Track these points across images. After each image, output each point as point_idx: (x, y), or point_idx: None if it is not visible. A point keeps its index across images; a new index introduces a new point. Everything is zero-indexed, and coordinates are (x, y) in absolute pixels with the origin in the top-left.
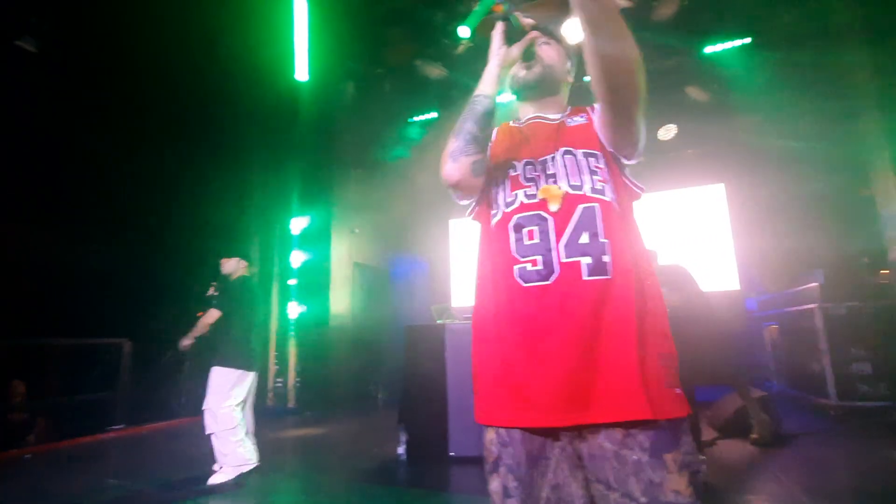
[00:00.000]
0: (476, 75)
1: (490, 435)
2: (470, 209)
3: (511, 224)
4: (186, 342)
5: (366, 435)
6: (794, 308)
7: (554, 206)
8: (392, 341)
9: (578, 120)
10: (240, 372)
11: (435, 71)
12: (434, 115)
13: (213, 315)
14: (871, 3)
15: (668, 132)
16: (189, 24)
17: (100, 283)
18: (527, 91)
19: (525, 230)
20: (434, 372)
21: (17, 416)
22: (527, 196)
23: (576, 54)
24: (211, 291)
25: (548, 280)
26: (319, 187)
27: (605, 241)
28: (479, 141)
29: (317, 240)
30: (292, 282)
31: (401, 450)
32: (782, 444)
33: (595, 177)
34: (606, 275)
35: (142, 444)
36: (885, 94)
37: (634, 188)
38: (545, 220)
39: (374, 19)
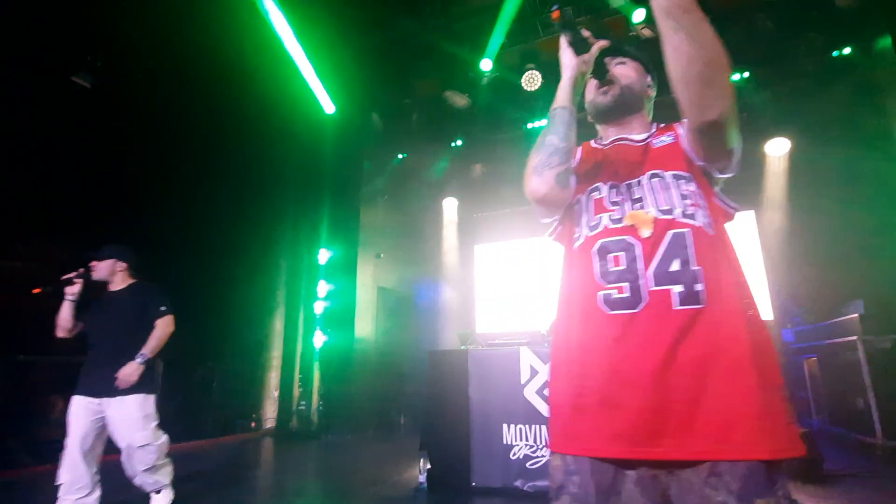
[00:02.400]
0: (500, 104)
1: (556, 461)
2: (552, 229)
3: (595, 248)
4: (145, 356)
5: (388, 461)
6: (834, 340)
7: (646, 232)
8: (415, 366)
9: (665, 139)
10: (153, 396)
11: (460, 101)
12: (459, 142)
13: (171, 324)
14: None
15: None
16: (225, 66)
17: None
18: (607, 115)
19: (610, 255)
20: (457, 399)
21: (52, 432)
22: (612, 220)
23: (656, 68)
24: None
25: (635, 308)
26: (346, 213)
27: (698, 268)
28: (562, 152)
29: (342, 265)
30: (319, 305)
31: (422, 478)
32: (825, 483)
33: (686, 201)
34: (699, 304)
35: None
36: None
37: (727, 208)
38: (632, 245)
39: (400, 53)
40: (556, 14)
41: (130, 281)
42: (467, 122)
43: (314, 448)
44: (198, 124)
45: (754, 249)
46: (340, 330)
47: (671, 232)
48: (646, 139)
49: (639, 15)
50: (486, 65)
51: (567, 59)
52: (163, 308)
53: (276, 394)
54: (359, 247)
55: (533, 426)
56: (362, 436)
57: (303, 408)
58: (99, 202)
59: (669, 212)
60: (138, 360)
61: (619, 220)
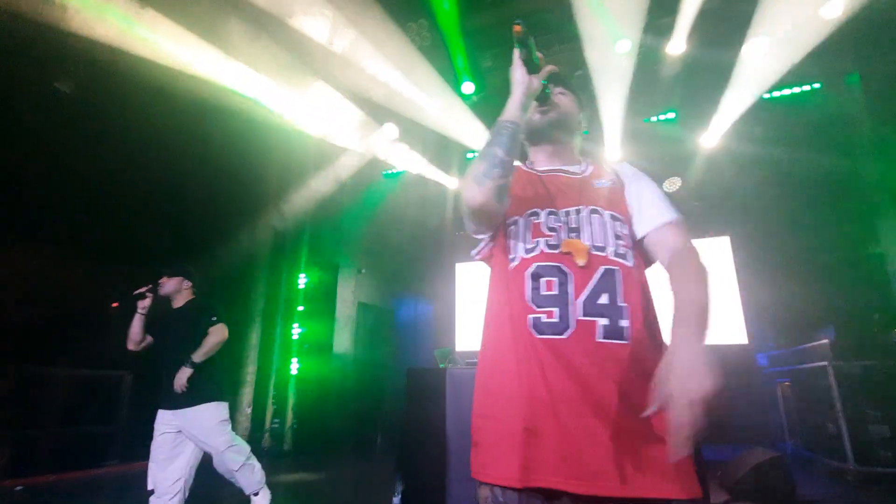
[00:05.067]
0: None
1: (484, 492)
2: (479, 248)
3: (529, 271)
4: (194, 361)
5: (362, 482)
6: (806, 365)
7: (581, 261)
8: (394, 384)
9: (605, 183)
10: (226, 403)
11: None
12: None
13: (223, 332)
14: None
15: (672, 185)
16: (206, 85)
17: (102, 316)
18: (541, 135)
19: (543, 280)
20: (434, 419)
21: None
22: (548, 245)
23: (587, 108)
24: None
25: (562, 335)
26: (328, 228)
27: (624, 305)
28: (505, 165)
29: (323, 281)
30: (295, 330)
31: (396, 500)
32: None
33: (619, 241)
34: (623, 339)
35: (136, 480)
36: (888, 152)
37: (649, 260)
38: (565, 273)
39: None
40: (518, 28)
41: (191, 298)
42: (448, 139)
43: (286, 467)
44: (179, 142)
45: (729, 274)
46: (318, 346)
47: (602, 267)
48: (582, 173)
49: (623, 45)
50: (467, 87)
51: (520, 75)
52: (213, 318)
53: (248, 410)
54: (340, 261)
55: None
56: (337, 455)
57: (276, 425)
58: (65, 205)
59: (603, 248)
60: (187, 365)
61: (556, 247)
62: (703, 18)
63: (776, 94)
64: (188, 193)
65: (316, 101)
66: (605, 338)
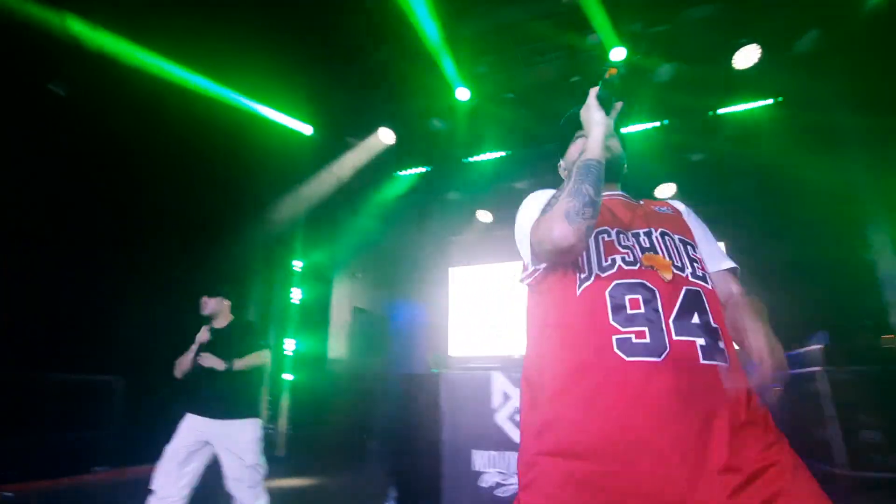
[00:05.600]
0: (471, 131)
1: None
2: (530, 273)
3: (609, 290)
4: (233, 364)
5: (356, 489)
6: (799, 371)
7: (667, 276)
8: (388, 389)
9: (665, 210)
10: (261, 422)
11: (437, 125)
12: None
13: (268, 358)
14: (861, 73)
15: (667, 191)
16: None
17: (95, 318)
18: None
19: (627, 297)
20: (428, 424)
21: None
22: (625, 262)
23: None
24: (203, 336)
25: (658, 357)
26: (323, 232)
27: (717, 326)
28: (596, 206)
29: (319, 283)
30: (289, 344)
31: None
32: None
33: (696, 263)
34: (724, 361)
35: (127, 487)
36: (880, 162)
37: None
38: (651, 290)
39: (379, 77)
40: (613, 71)
41: (231, 318)
42: (445, 146)
43: (280, 473)
44: (173, 134)
45: None
46: (312, 348)
47: (686, 287)
48: (639, 201)
49: (618, 53)
50: (462, 94)
51: (599, 116)
52: (262, 342)
53: None
54: (336, 265)
55: (504, 453)
56: (331, 461)
57: (270, 431)
58: (71, 209)
59: (682, 269)
60: (227, 363)
61: (634, 263)
62: (695, 27)
63: (769, 101)
64: (179, 199)
65: (310, 103)
66: (706, 359)
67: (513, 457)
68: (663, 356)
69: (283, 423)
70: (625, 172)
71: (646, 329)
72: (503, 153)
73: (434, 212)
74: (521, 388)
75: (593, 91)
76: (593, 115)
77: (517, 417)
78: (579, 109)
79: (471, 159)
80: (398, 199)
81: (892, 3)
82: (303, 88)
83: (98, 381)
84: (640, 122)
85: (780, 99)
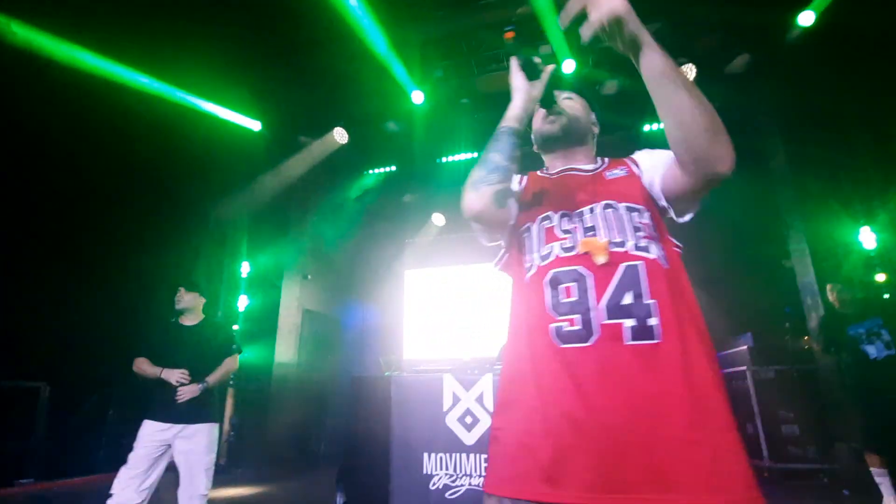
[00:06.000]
0: (433, 133)
1: (490, 502)
2: (498, 258)
3: (547, 279)
4: (207, 383)
5: (302, 496)
6: (728, 370)
7: (601, 259)
8: (339, 393)
9: (618, 172)
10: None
11: (392, 127)
12: (392, 168)
13: (237, 363)
14: (785, 94)
15: None
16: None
17: (18, 321)
18: (553, 143)
19: (562, 286)
20: (378, 427)
21: None
22: (563, 249)
23: (598, 107)
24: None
25: (586, 342)
26: (272, 232)
27: (652, 301)
28: (503, 170)
29: (266, 284)
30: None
31: None
32: None
33: (639, 233)
34: (653, 339)
35: (55, 499)
36: (797, 178)
37: (676, 248)
38: (584, 276)
39: (334, 76)
40: (510, 34)
41: (202, 317)
42: (400, 148)
43: (221, 482)
44: (105, 132)
45: None
46: (259, 354)
47: (624, 264)
48: (596, 170)
49: (568, 65)
50: (417, 97)
51: (519, 81)
52: (234, 346)
53: None
54: (284, 267)
55: (453, 455)
56: (277, 468)
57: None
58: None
59: (622, 244)
60: (201, 385)
61: (572, 249)
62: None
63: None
64: (112, 199)
65: (259, 99)
66: (633, 339)
67: (463, 459)
68: (592, 341)
69: (225, 429)
70: (594, 133)
71: (577, 316)
72: (459, 157)
73: (389, 214)
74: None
75: (514, 59)
76: (513, 83)
77: (467, 419)
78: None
79: (426, 163)
80: (352, 201)
81: (814, 32)
82: (248, 83)
83: (22, 388)
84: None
85: None
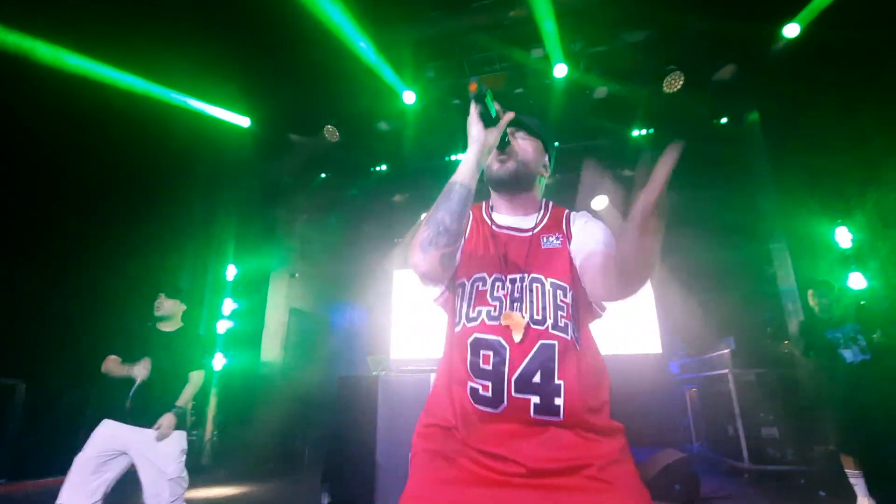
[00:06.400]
0: (422, 133)
1: None
2: (436, 297)
3: (470, 340)
4: (178, 408)
5: (287, 496)
6: (710, 373)
7: (517, 336)
8: (325, 392)
9: (554, 242)
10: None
11: (384, 127)
12: (383, 167)
13: (200, 378)
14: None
15: (600, 203)
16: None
17: None
18: (499, 184)
19: (482, 352)
20: (365, 427)
21: None
22: (489, 317)
23: (552, 149)
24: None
25: (496, 409)
26: (259, 229)
27: (559, 382)
28: (452, 234)
29: (253, 282)
30: (222, 325)
31: None
32: None
33: (560, 312)
34: (557, 416)
35: (27, 501)
36: (782, 187)
37: (599, 311)
38: (503, 348)
39: (326, 74)
40: (473, 87)
41: (181, 324)
42: (392, 147)
43: (204, 483)
44: (97, 125)
45: (647, 290)
46: (245, 352)
47: (541, 342)
48: (533, 230)
49: (560, 70)
50: (408, 97)
51: (476, 131)
52: (204, 361)
53: None
54: (272, 265)
55: None
56: (262, 468)
57: (193, 438)
58: None
59: (542, 322)
60: (175, 411)
61: (496, 318)
62: (628, 51)
63: None
64: (105, 192)
65: (251, 97)
66: (536, 414)
67: None
68: (500, 409)
69: (208, 429)
70: (543, 176)
71: (490, 384)
72: (449, 158)
73: (379, 214)
74: None
75: (474, 106)
76: (469, 132)
77: None
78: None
79: (417, 163)
80: (342, 200)
81: (799, 42)
82: (236, 79)
83: None
84: (577, 139)
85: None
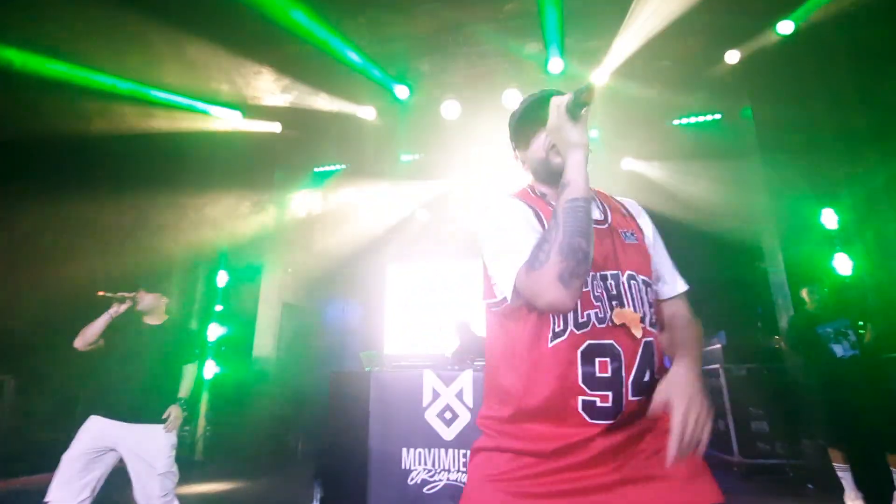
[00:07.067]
0: (413, 127)
1: None
2: (498, 301)
3: (581, 349)
4: (182, 399)
5: (279, 491)
6: (703, 367)
7: (638, 333)
8: (318, 388)
9: (631, 237)
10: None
11: (373, 120)
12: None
13: (192, 372)
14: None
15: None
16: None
17: None
18: (558, 178)
19: (598, 360)
20: (357, 422)
21: None
22: (598, 319)
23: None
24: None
25: (613, 419)
26: (253, 223)
27: (657, 378)
28: (590, 260)
29: (245, 278)
30: (213, 330)
31: None
32: None
33: (651, 309)
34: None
35: (16, 499)
36: (775, 182)
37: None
38: (619, 352)
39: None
40: (591, 94)
41: (166, 317)
42: (382, 141)
43: (196, 478)
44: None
45: None
46: (237, 348)
47: (645, 340)
48: (606, 222)
49: (555, 65)
50: (402, 92)
51: (577, 135)
52: (197, 351)
53: None
54: (265, 260)
55: (432, 450)
56: (254, 464)
57: (185, 433)
58: None
59: (643, 318)
60: (180, 402)
61: (604, 320)
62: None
63: (683, 121)
64: (94, 185)
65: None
66: (641, 415)
67: (441, 454)
68: (618, 417)
69: (200, 424)
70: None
71: (610, 394)
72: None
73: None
74: (486, 388)
75: (561, 101)
76: (569, 136)
77: (447, 415)
78: (549, 94)
79: (409, 156)
80: (334, 193)
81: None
82: (227, 73)
83: None
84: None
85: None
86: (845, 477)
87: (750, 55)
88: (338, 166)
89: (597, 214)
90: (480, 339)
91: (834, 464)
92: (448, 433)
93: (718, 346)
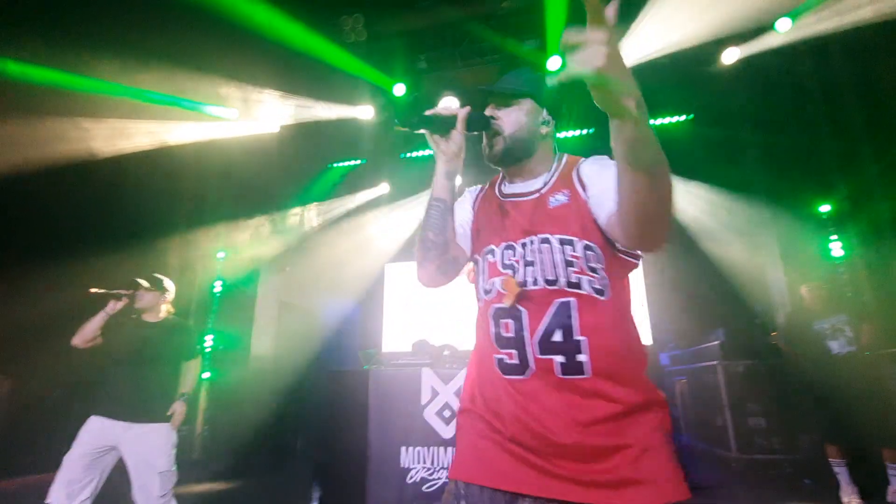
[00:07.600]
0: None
1: (449, 486)
2: (467, 270)
3: (490, 313)
4: (186, 394)
5: (278, 490)
6: (699, 364)
7: (508, 302)
8: (317, 386)
9: (560, 198)
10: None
11: (370, 118)
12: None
13: (196, 366)
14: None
15: None
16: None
17: None
18: (499, 164)
19: (502, 321)
20: (356, 421)
21: None
22: (503, 286)
23: (552, 95)
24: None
25: (523, 374)
26: (250, 221)
27: (581, 338)
28: (439, 246)
29: (243, 277)
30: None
31: None
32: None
33: (570, 268)
34: (582, 374)
35: (13, 499)
36: (771, 177)
37: (631, 259)
38: (520, 313)
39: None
40: (399, 128)
41: (167, 315)
42: (380, 138)
43: (195, 478)
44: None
45: (637, 280)
46: (235, 347)
47: (557, 301)
48: (541, 190)
49: (554, 62)
50: (398, 89)
51: (441, 145)
52: (198, 347)
53: None
54: (262, 259)
55: (431, 448)
56: (253, 463)
57: (183, 432)
58: None
59: (555, 281)
60: (183, 398)
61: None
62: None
63: (678, 118)
64: (91, 186)
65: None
66: (564, 374)
67: (440, 452)
68: (527, 374)
69: (198, 423)
70: (544, 134)
71: (514, 351)
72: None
73: (369, 205)
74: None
75: (426, 132)
76: (434, 152)
77: (446, 413)
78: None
79: (407, 154)
80: (331, 191)
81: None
82: (223, 73)
83: None
84: (571, 128)
85: (692, 116)
86: (841, 472)
87: (749, 55)
88: (337, 166)
89: (533, 186)
90: None
91: (829, 459)
92: (447, 431)
93: (716, 343)
